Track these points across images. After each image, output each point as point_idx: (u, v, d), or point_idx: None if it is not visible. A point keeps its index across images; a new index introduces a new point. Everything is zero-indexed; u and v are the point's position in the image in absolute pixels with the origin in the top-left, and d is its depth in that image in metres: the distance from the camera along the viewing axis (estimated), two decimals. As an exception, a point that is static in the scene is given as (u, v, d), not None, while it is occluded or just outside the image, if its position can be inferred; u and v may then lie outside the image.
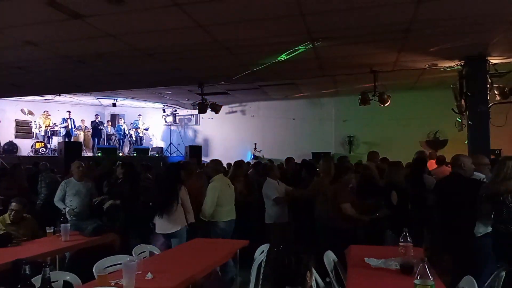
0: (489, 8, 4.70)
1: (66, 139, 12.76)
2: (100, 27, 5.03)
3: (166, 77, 8.02)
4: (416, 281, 2.28)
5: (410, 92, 12.16)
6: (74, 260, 4.49)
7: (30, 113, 13.06)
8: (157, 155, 14.27)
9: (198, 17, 4.81)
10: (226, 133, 15.51)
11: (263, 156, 14.12)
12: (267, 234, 5.61)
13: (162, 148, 15.29)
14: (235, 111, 15.57)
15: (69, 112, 13.27)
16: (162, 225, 4.85)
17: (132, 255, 3.80)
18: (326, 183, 5.40)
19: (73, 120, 13.39)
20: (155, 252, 4.17)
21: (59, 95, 11.16)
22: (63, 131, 12.88)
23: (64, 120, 13.03)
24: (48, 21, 4.81)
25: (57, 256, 4.61)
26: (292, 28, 5.20)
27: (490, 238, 4.20)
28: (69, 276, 3.17)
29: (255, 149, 14.68)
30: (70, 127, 13.07)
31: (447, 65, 7.00)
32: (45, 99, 12.91)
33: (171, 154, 15.10)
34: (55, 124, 13.05)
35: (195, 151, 13.97)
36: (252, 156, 14.21)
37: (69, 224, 4.63)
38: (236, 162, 6.30)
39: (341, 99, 13.36)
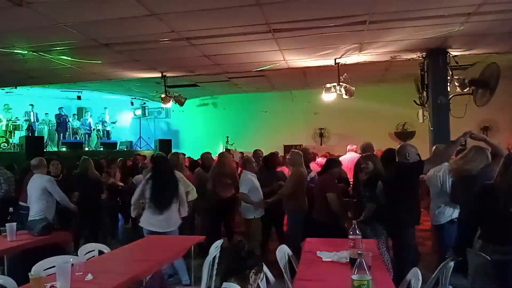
0: (445, 1, 4.71)
1: (30, 134, 12.30)
2: (46, 14, 4.77)
3: (126, 68, 7.77)
4: (353, 277, 2.23)
5: (378, 84, 12.27)
6: (20, 261, 4.27)
7: (-10, 107, 12.51)
8: (125, 149, 13.96)
9: (151, 5, 4.63)
10: (197, 126, 15.31)
11: (235, 149, 14.02)
12: (247, 229, 5.51)
13: (131, 142, 14.97)
14: (207, 104, 15.38)
15: (31, 105, 12.77)
16: (159, 223, 4.63)
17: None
18: (300, 175, 5.42)
19: (36, 113, 12.91)
20: (104, 251, 4.02)
21: (15, 88, 10.68)
22: (24, 125, 12.39)
23: (27, 113, 12.54)
24: (-11, 9, 4.52)
25: (4, 256, 4.41)
26: (250, 18, 5.08)
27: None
28: (2, 280, 3.00)
29: (227, 142, 14.56)
30: (33, 121, 12.60)
31: (409, 57, 7.03)
32: (6, 92, 12.37)
33: (140, 148, 14.80)
34: (17, 118, 12.53)
35: (166, 144, 13.73)
36: (224, 149, 14.08)
37: (15, 224, 4.40)
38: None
39: (311, 92, 13.36)
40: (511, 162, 2.70)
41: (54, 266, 3.12)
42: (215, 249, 3.84)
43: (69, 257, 3.43)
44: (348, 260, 3.18)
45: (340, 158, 7.03)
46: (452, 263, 3.10)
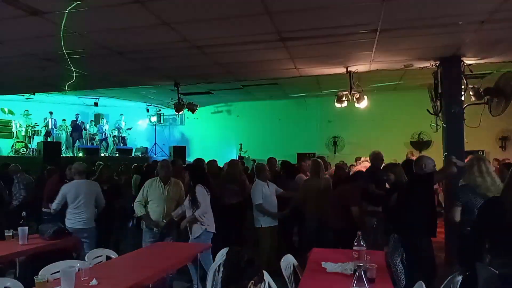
0: (459, 8, 4.64)
1: (48, 139, 12.59)
2: (61, 24, 4.89)
3: (140, 76, 7.89)
4: (352, 289, 2.21)
5: (393, 93, 12.15)
6: (28, 265, 4.35)
7: (10, 112, 12.87)
8: (140, 155, 14.13)
9: (162, 15, 4.70)
10: (211, 133, 15.41)
11: (248, 156, 14.04)
12: (258, 238, 5.54)
13: (146, 148, 15.16)
14: (221, 111, 15.48)
15: (50, 112, 13.10)
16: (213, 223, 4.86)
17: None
18: (315, 183, 5.46)
19: (55, 120, 13.22)
20: (111, 256, 4.07)
21: (34, 94, 10.96)
22: (43, 131, 12.71)
23: (45, 119, 12.87)
24: (7, 18, 4.67)
25: (17, 260, 4.51)
26: (260, 27, 5.11)
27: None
28: (10, 283, 3.07)
29: (240, 149, 14.60)
30: (51, 127, 12.90)
31: (422, 66, 6.94)
32: (26, 98, 12.72)
33: (155, 154, 14.97)
34: (36, 123, 12.87)
35: (180, 151, 13.86)
36: (237, 157, 14.12)
37: (27, 228, 4.50)
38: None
39: (325, 100, 13.30)
40: None
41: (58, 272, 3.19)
42: (220, 256, 3.85)
43: (75, 261, 3.49)
44: (352, 272, 3.14)
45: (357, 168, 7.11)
46: (460, 277, 3.03)
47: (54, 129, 13.13)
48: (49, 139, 12.65)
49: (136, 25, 5.02)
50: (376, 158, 5.82)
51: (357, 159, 9.72)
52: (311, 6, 4.52)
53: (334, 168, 7.09)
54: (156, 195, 5.06)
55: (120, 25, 5.00)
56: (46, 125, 12.87)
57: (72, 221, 5.18)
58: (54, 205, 5.32)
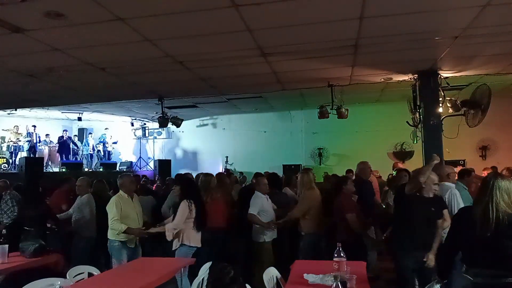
0: (432, 24, 4.83)
1: (31, 155, 12.41)
2: (44, 41, 4.93)
3: (124, 91, 7.92)
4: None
5: (376, 104, 12.38)
6: (9, 283, 4.28)
7: (-9, 128, 12.70)
8: (125, 169, 14.01)
9: (144, 32, 4.77)
10: (197, 146, 15.41)
11: (234, 169, 14.06)
12: (256, 253, 5.34)
13: (131, 162, 15.05)
14: (206, 124, 15.50)
15: (34, 126, 12.94)
16: (198, 238, 4.79)
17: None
18: (313, 196, 5.34)
19: (38, 135, 13.06)
20: (93, 273, 4.04)
21: (15, 110, 10.86)
22: (26, 146, 12.52)
23: (29, 134, 12.69)
24: (-13, 36, 4.68)
25: (-4, 278, 4.43)
26: (242, 43, 5.22)
27: None
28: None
29: (226, 162, 14.62)
30: (35, 142, 12.73)
31: (401, 79, 7.14)
32: (8, 113, 12.57)
33: (140, 168, 14.88)
34: (18, 139, 12.68)
35: (165, 165, 13.82)
36: (224, 169, 14.11)
37: (6, 246, 4.43)
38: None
39: (310, 112, 13.47)
40: (487, 186, 2.72)
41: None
42: (204, 271, 3.85)
43: (56, 279, 3.45)
44: (333, 283, 3.18)
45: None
46: (438, 286, 3.10)
47: (38, 144, 12.95)
48: (32, 155, 12.47)
49: (118, 42, 5.08)
50: (365, 168, 5.83)
51: (348, 171, 9.78)
52: (291, 24, 4.65)
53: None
54: (130, 210, 4.94)
55: (102, 41, 5.05)
56: (30, 140, 12.69)
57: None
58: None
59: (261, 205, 5.32)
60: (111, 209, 4.82)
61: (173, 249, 4.76)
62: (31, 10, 4.06)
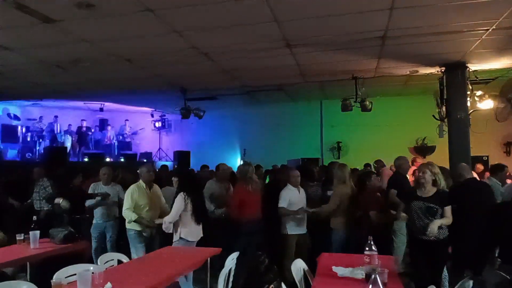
0: (464, 16, 4.71)
1: (53, 144, 12.65)
2: (73, 32, 4.99)
3: (147, 83, 7.97)
4: (367, 293, 2.24)
5: (397, 98, 12.19)
6: (40, 268, 4.40)
7: (16, 118, 12.96)
8: (145, 160, 14.17)
9: (172, 23, 4.79)
10: (216, 138, 15.45)
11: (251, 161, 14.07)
12: (283, 245, 5.25)
13: (151, 153, 15.20)
14: (225, 116, 15.53)
15: (56, 116, 13.16)
16: (197, 232, 4.77)
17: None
18: (345, 191, 5.23)
19: (60, 124, 13.26)
20: (123, 260, 4.11)
21: (41, 100, 11.07)
22: (48, 136, 12.76)
23: (51, 124, 12.92)
24: (19, 26, 4.76)
25: (28, 263, 4.56)
26: (268, 34, 5.18)
27: None
28: (26, 286, 3.11)
29: (244, 154, 14.64)
30: (56, 132, 12.96)
31: (428, 72, 7.01)
32: (32, 104, 12.81)
33: (160, 159, 15.02)
34: (41, 129, 12.93)
35: (184, 156, 13.91)
36: (242, 162, 14.13)
37: (38, 232, 4.55)
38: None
39: (329, 105, 13.36)
40: None
41: (75, 274, 3.23)
42: (231, 261, 3.88)
43: (89, 265, 3.53)
44: (363, 276, 3.17)
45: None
46: (470, 282, 3.06)
47: (59, 134, 13.17)
48: (54, 144, 12.71)
49: (146, 33, 5.11)
50: (400, 164, 5.69)
51: (366, 165, 9.70)
52: (318, 15, 4.60)
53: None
54: (146, 200, 4.99)
55: (130, 33, 5.09)
56: (52, 130, 12.93)
57: None
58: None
59: (290, 198, 5.33)
60: (126, 198, 4.95)
61: (174, 240, 4.77)
62: (62, 0, 4.10)
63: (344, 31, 5.10)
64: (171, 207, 4.79)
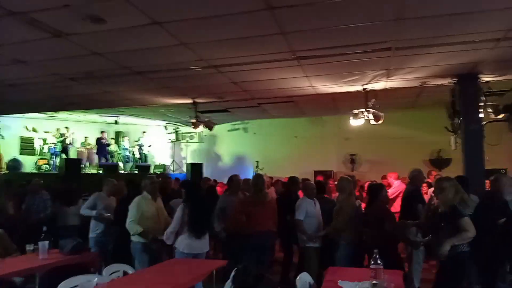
0: (474, 26, 4.65)
1: (64, 156, 12.85)
2: (84, 45, 5.11)
3: (159, 95, 8.09)
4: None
5: (411, 110, 12.05)
6: (48, 279, 4.43)
7: (34, 130, 13.27)
8: (159, 172, 14.29)
9: (179, 36, 4.86)
10: (228, 151, 15.51)
11: (265, 174, 14.03)
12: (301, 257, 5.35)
13: (165, 165, 15.34)
14: (238, 129, 15.59)
15: (66, 128, 13.36)
16: (196, 245, 4.71)
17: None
18: (351, 204, 5.19)
19: (72, 136, 13.44)
20: (128, 271, 4.12)
21: (56, 113, 11.32)
22: (59, 147, 12.97)
23: (62, 135, 13.13)
24: (31, 40, 4.90)
25: (37, 274, 4.60)
26: (275, 46, 5.21)
27: None
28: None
29: (257, 166, 14.62)
30: (67, 143, 13.15)
31: (439, 83, 6.91)
32: (49, 116, 13.11)
33: (173, 171, 15.12)
34: (53, 142, 13.18)
35: (197, 168, 13.97)
36: (254, 174, 14.11)
37: (47, 242, 4.61)
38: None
39: (342, 117, 13.26)
40: None
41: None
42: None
43: (93, 276, 3.54)
44: (369, 291, 3.10)
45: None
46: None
47: (70, 146, 13.34)
48: (65, 156, 12.89)
49: (154, 46, 5.20)
50: (415, 176, 5.62)
51: (383, 177, 9.58)
52: (326, 26, 4.61)
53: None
54: (153, 211, 4.97)
55: (139, 45, 5.19)
56: (63, 141, 13.13)
57: None
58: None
59: (307, 210, 5.28)
60: (131, 210, 4.90)
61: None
62: (73, 15, 4.21)
63: (351, 42, 5.08)
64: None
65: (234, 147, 15.39)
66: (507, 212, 3.96)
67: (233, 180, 6.08)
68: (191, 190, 5.01)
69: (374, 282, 2.45)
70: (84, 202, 6.73)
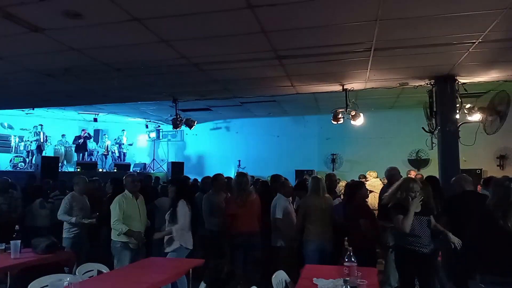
0: (452, 29, 4.74)
1: (38, 154, 12.56)
2: (61, 40, 5.00)
3: (139, 92, 7.99)
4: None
5: (391, 111, 12.24)
6: (20, 278, 4.32)
7: (10, 127, 12.94)
8: (139, 170, 14.13)
9: (159, 33, 4.80)
10: (210, 149, 15.46)
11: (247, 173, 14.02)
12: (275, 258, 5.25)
13: (145, 164, 15.17)
14: (220, 128, 15.55)
15: (41, 125, 13.04)
16: (191, 240, 4.84)
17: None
18: (310, 201, 5.14)
19: (45, 134, 13.13)
20: (103, 270, 4.05)
21: (33, 109, 11.07)
22: (33, 145, 12.67)
23: (36, 133, 12.83)
24: (8, 35, 4.77)
25: (8, 273, 4.48)
26: (256, 45, 5.20)
27: None
28: (-1, 296, 3.05)
29: (239, 165, 14.61)
30: (42, 141, 12.85)
31: (417, 84, 7.03)
32: (26, 113, 12.81)
33: (154, 170, 14.97)
34: (35, 139, 12.88)
35: (178, 167, 13.87)
36: (237, 173, 14.08)
37: (19, 241, 4.49)
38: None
39: (324, 117, 13.37)
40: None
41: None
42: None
43: (65, 275, 3.47)
44: (343, 288, 3.12)
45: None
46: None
47: (45, 143, 13.03)
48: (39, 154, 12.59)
49: (134, 42, 5.12)
50: (393, 175, 5.60)
51: (361, 177, 9.72)
52: (306, 26, 4.62)
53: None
54: (134, 210, 4.89)
55: (118, 42, 5.10)
56: (37, 139, 12.82)
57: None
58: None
59: (284, 209, 5.27)
60: (114, 209, 4.80)
61: (171, 250, 4.71)
62: (50, 10, 4.12)
63: (332, 42, 5.11)
64: (171, 216, 4.79)
65: (216, 146, 15.34)
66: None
67: (217, 179, 6.01)
68: (186, 187, 5.02)
69: (346, 279, 2.46)
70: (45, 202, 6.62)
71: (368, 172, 9.60)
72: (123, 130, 14.78)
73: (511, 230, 2.71)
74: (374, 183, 8.33)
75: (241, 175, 5.62)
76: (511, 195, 2.96)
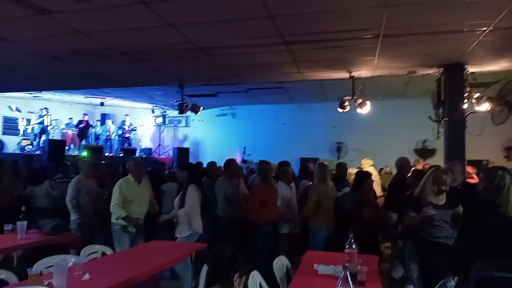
0: (462, 15, 4.64)
1: (42, 137, 12.65)
2: (68, 23, 4.98)
3: (145, 77, 7.97)
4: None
5: (398, 100, 12.12)
6: (26, 259, 4.40)
7: (18, 110, 13.04)
8: (144, 155, 14.21)
9: (166, 16, 4.75)
10: (216, 136, 15.46)
11: (252, 160, 14.04)
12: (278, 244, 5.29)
13: (150, 149, 15.24)
14: (226, 114, 15.53)
15: (46, 108, 13.10)
16: (201, 225, 4.90)
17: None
18: (323, 188, 5.12)
19: (50, 118, 13.19)
20: (107, 252, 4.11)
21: (40, 93, 11.11)
22: (37, 129, 12.74)
23: (41, 116, 12.90)
24: (15, 17, 4.76)
25: (14, 254, 4.57)
26: (263, 30, 5.14)
27: None
28: (4, 274, 3.11)
29: (244, 152, 14.62)
30: (46, 124, 12.92)
31: (426, 73, 6.94)
32: (34, 96, 12.87)
33: (159, 155, 15.03)
34: (41, 122, 12.95)
35: (183, 153, 13.92)
36: (241, 160, 14.13)
37: (25, 222, 4.56)
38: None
39: (330, 105, 13.26)
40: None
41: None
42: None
43: (69, 256, 3.53)
44: (343, 274, 3.13)
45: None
46: (453, 282, 3.02)
47: (48, 127, 13.10)
48: (44, 136, 12.68)
49: (140, 26, 5.09)
50: (403, 165, 5.57)
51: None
52: (314, 11, 4.55)
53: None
54: (135, 194, 4.91)
55: (124, 25, 5.07)
56: (41, 122, 12.89)
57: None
58: None
59: (283, 196, 5.30)
60: (114, 193, 4.84)
61: (178, 235, 4.76)
62: (56, -9, 4.10)
63: (340, 28, 5.04)
64: (181, 200, 4.83)
65: (221, 132, 15.34)
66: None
67: (231, 164, 6.01)
68: (197, 171, 5.08)
69: (345, 265, 2.47)
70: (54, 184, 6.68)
71: (363, 160, 9.39)
72: (127, 115, 14.79)
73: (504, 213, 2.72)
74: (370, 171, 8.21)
75: (267, 163, 5.57)
76: (496, 180, 2.96)
